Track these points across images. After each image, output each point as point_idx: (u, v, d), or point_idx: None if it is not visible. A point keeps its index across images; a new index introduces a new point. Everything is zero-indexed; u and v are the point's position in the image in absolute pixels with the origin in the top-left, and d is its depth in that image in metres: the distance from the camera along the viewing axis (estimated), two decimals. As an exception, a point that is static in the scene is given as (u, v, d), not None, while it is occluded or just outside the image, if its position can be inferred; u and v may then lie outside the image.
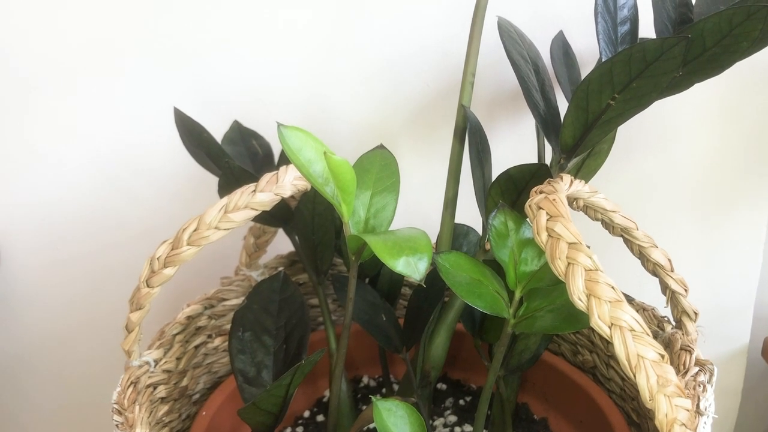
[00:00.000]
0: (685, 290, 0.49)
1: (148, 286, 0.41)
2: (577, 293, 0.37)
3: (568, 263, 0.37)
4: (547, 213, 0.39)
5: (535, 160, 0.56)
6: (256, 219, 0.51)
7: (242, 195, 0.41)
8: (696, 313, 0.49)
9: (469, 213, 0.54)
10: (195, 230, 0.40)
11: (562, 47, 0.61)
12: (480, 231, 0.56)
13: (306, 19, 0.64)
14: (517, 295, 0.41)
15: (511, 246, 0.42)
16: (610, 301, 0.36)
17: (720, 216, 0.70)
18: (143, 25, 0.64)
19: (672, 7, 0.54)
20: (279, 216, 0.54)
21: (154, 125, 0.68)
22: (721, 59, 0.45)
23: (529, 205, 0.41)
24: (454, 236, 0.56)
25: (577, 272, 0.37)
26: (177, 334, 0.50)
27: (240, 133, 0.61)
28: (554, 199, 0.40)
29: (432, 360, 0.52)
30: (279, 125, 0.38)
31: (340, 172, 0.36)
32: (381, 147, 0.43)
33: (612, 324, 0.36)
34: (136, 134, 0.68)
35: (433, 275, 0.51)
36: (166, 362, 0.48)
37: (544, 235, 0.39)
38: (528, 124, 0.66)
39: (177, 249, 0.40)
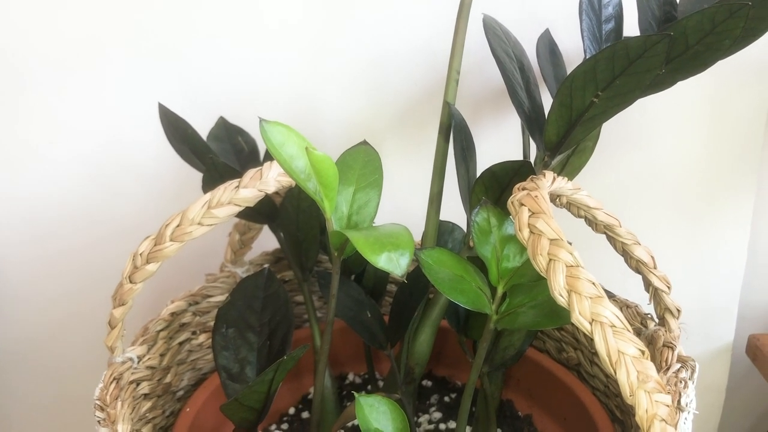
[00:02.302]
0: (668, 287, 0.49)
1: (130, 281, 0.41)
2: (558, 289, 0.37)
3: (550, 259, 0.37)
4: (529, 209, 0.39)
5: (520, 157, 0.56)
6: (241, 215, 0.51)
7: (225, 191, 0.41)
8: (679, 310, 0.49)
9: (455, 210, 0.55)
10: (178, 226, 0.40)
11: (548, 45, 0.62)
12: (465, 228, 0.56)
13: (295, 18, 0.64)
14: (500, 291, 0.41)
15: (494, 242, 0.42)
16: (590, 297, 0.36)
17: (705, 215, 0.71)
18: (130, 22, 0.64)
19: (656, 5, 0.55)
20: (264, 212, 0.53)
21: (140, 122, 0.67)
22: (704, 57, 0.45)
23: (512, 202, 0.41)
24: (440, 233, 0.56)
25: (558, 268, 0.37)
26: (161, 330, 0.50)
27: (225, 130, 0.61)
28: (536, 196, 0.40)
29: (416, 356, 0.52)
30: (261, 120, 0.38)
31: (322, 167, 0.36)
32: (364, 143, 0.43)
33: (593, 320, 0.36)
34: (122, 131, 0.68)
35: (417, 272, 0.51)
36: (149, 358, 0.48)
37: (525, 232, 0.39)
38: (513, 122, 0.66)
39: (160, 245, 0.40)
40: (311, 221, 0.53)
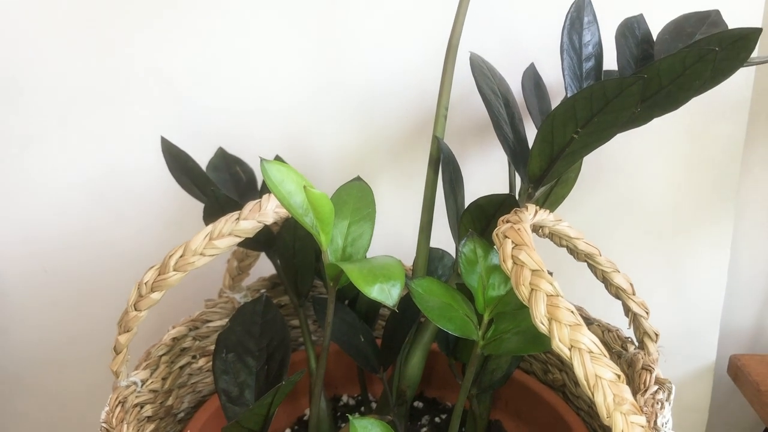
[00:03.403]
0: (646, 312, 0.51)
1: (135, 309, 0.43)
2: (540, 317, 0.39)
3: (531, 289, 0.40)
4: (512, 241, 0.42)
5: (505, 187, 0.59)
6: (240, 243, 0.53)
7: (227, 222, 0.43)
8: (657, 334, 0.52)
9: (445, 237, 0.57)
10: (181, 256, 0.42)
11: (533, 79, 0.64)
12: (454, 255, 0.58)
13: (291, 59, 0.67)
14: (486, 318, 0.44)
15: (480, 272, 0.44)
16: (569, 325, 0.38)
17: (687, 239, 0.73)
18: (133, 57, 0.67)
19: (634, 44, 0.58)
20: (262, 240, 0.56)
21: (141, 150, 0.70)
22: (677, 96, 0.48)
23: (496, 234, 0.44)
24: (430, 260, 0.59)
25: (540, 298, 0.39)
26: (163, 355, 0.52)
27: (224, 160, 0.64)
28: (519, 229, 0.43)
29: (408, 379, 0.54)
30: (262, 160, 0.40)
31: (319, 204, 0.39)
32: (358, 179, 0.46)
33: (572, 346, 0.38)
34: (123, 158, 0.70)
35: (408, 298, 0.54)
36: (152, 382, 0.50)
37: (509, 263, 0.41)
38: (499, 154, 0.69)
39: (164, 274, 0.42)
40: (307, 249, 0.55)
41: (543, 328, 0.39)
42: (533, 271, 0.41)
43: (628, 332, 0.55)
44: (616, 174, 0.71)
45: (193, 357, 0.56)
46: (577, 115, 0.47)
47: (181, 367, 0.55)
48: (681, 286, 0.76)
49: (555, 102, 0.63)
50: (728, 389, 0.80)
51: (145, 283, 0.43)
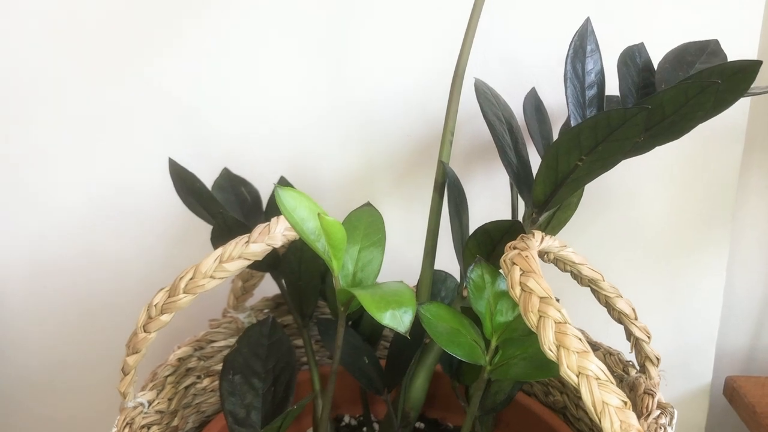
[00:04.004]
0: (648, 337, 0.52)
1: (145, 331, 0.43)
2: (548, 344, 0.39)
3: (540, 316, 0.40)
4: (520, 268, 0.42)
5: (507, 209, 0.59)
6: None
7: (236, 246, 0.43)
8: (658, 359, 0.52)
9: (446, 258, 0.57)
10: (191, 279, 0.42)
11: (533, 103, 0.65)
12: (457, 276, 0.59)
13: (297, 82, 0.68)
14: (493, 343, 0.44)
15: (488, 298, 0.45)
16: (577, 352, 0.39)
17: (682, 262, 0.74)
18: (139, 76, 0.67)
19: (635, 72, 0.59)
20: (267, 262, 0.56)
21: (146, 170, 0.70)
22: (680, 125, 0.49)
23: (504, 261, 0.44)
24: (433, 282, 0.59)
25: (548, 325, 0.40)
26: (169, 375, 0.52)
27: (229, 180, 0.64)
28: (527, 256, 0.43)
29: (412, 401, 0.55)
30: (276, 186, 0.41)
31: (332, 231, 0.39)
32: (368, 205, 0.46)
33: (579, 373, 0.39)
34: (128, 179, 0.71)
35: (414, 321, 0.54)
36: (158, 403, 0.50)
37: (517, 290, 0.42)
38: (500, 176, 0.70)
39: (174, 296, 0.42)
40: (312, 271, 0.55)
41: (551, 355, 0.39)
42: (541, 298, 0.41)
43: (629, 356, 0.55)
44: (613, 197, 0.72)
45: (198, 377, 0.56)
46: (582, 143, 0.48)
47: (186, 388, 0.55)
48: (677, 308, 0.76)
49: (555, 126, 0.64)
50: (724, 410, 0.80)
51: (155, 305, 0.43)
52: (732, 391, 0.75)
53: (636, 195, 0.71)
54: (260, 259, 0.44)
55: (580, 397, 0.59)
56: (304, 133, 0.69)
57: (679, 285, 0.75)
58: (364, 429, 0.62)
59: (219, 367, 0.59)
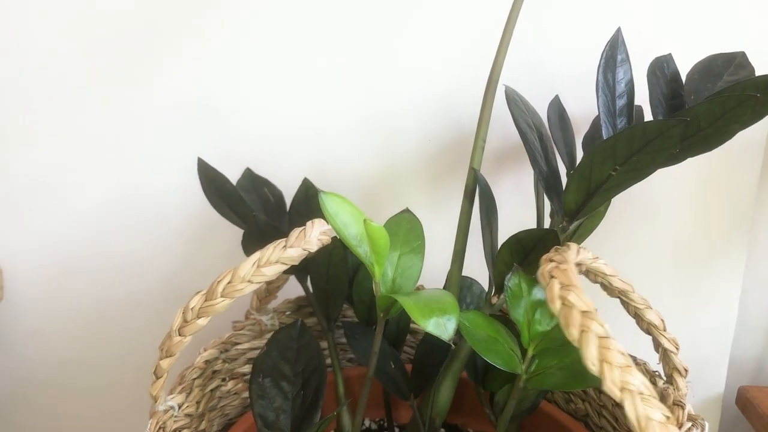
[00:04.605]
0: (677, 348, 0.52)
1: (180, 334, 0.43)
2: (591, 359, 0.39)
3: (582, 331, 0.40)
4: (559, 282, 0.42)
5: (532, 218, 0.59)
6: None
7: (274, 250, 0.43)
8: (686, 370, 0.52)
9: (471, 265, 0.57)
10: (229, 282, 0.42)
11: (557, 111, 0.65)
12: (486, 284, 0.59)
13: (319, 83, 0.67)
14: (530, 353, 0.44)
15: (525, 306, 0.45)
16: (620, 367, 0.39)
17: (698, 271, 0.74)
18: (167, 85, 0.67)
19: (664, 83, 0.58)
20: (296, 265, 0.56)
21: (163, 170, 0.70)
22: (713, 139, 0.49)
23: (542, 273, 0.44)
24: (460, 288, 0.59)
25: (591, 340, 0.39)
26: (196, 378, 0.52)
27: (252, 181, 0.63)
28: (565, 269, 0.43)
29: (439, 407, 0.54)
30: (320, 191, 0.40)
31: (377, 237, 0.39)
32: (407, 211, 0.46)
33: (623, 388, 0.38)
34: (145, 179, 0.70)
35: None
36: (187, 406, 0.49)
37: (557, 304, 0.41)
38: (525, 182, 0.70)
39: (211, 300, 0.42)
40: (340, 275, 0.55)
41: (594, 370, 0.39)
42: (583, 312, 0.41)
43: (655, 367, 0.55)
44: (631, 207, 0.72)
45: (223, 380, 0.56)
46: (617, 153, 0.48)
47: (212, 390, 0.54)
48: (692, 317, 0.76)
49: (578, 134, 0.64)
50: (736, 420, 0.81)
51: (192, 309, 0.42)
52: (745, 401, 0.75)
53: (654, 205, 0.71)
54: (297, 264, 0.43)
55: (602, 405, 0.59)
56: (326, 136, 0.69)
57: (694, 293, 0.75)
58: (386, 433, 0.62)
59: (243, 369, 0.58)
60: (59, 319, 0.74)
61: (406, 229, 0.44)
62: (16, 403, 0.77)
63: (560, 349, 0.43)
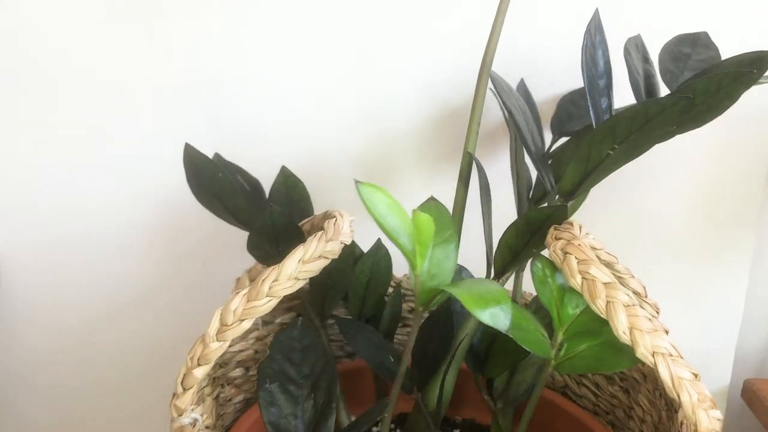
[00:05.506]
0: (657, 312, 0.60)
1: (218, 339, 0.46)
2: (622, 328, 0.47)
3: (608, 302, 0.48)
4: (575, 257, 0.49)
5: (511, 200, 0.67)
6: (260, 259, 0.57)
7: (318, 244, 0.47)
8: (667, 332, 0.61)
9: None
10: (275, 281, 0.46)
11: (524, 95, 0.74)
12: (470, 269, 0.66)
13: (313, 67, 0.75)
14: (560, 337, 0.52)
15: (552, 290, 0.52)
16: (649, 332, 0.47)
17: (704, 262, 0.84)
18: (168, 67, 0.74)
19: (639, 63, 0.68)
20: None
21: (156, 156, 0.76)
22: (706, 115, 0.58)
23: (555, 251, 0.51)
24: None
25: (619, 309, 0.47)
26: (206, 386, 0.55)
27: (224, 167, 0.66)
28: (579, 244, 0.50)
29: (446, 399, 0.61)
30: (356, 182, 0.45)
31: (424, 227, 0.45)
32: (432, 199, 0.52)
33: (654, 352, 0.47)
34: (137, 165, 0.77)
35: (437, 318, 0.61)
36: (207, 417, 0.52)
37: (578, 278, 0.49)
38: (498, 168, 0.77)
39: (255, 300, 0.46)
40: (342, 272, 0.60)
41: (625, 338, 0.47)
42: (606, 283, 0.49)
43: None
44: (634, 194, 0.81)
45: (222, 386, 0.59)
46: (617, 133, 0.56)
47: (216, 398, 0.58)
48: (697, 309, 0.86)
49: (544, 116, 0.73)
50: (742, 413, 0.90)
51: (233, 311, 0.46)
52: (750, 393, 0.85)
53: (656, 190, 0.80)
54: (336, 257, 0.47)
55: (582, 375, 0.68)
56: (317, 120, 0.76)
57: (699, 285, 0.84)
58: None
59: (235, 373, 0.62)
60: (54, 303, 0.81)
61: (435, 219, 0.49)
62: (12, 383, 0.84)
63: (589, 332, 0.51)
